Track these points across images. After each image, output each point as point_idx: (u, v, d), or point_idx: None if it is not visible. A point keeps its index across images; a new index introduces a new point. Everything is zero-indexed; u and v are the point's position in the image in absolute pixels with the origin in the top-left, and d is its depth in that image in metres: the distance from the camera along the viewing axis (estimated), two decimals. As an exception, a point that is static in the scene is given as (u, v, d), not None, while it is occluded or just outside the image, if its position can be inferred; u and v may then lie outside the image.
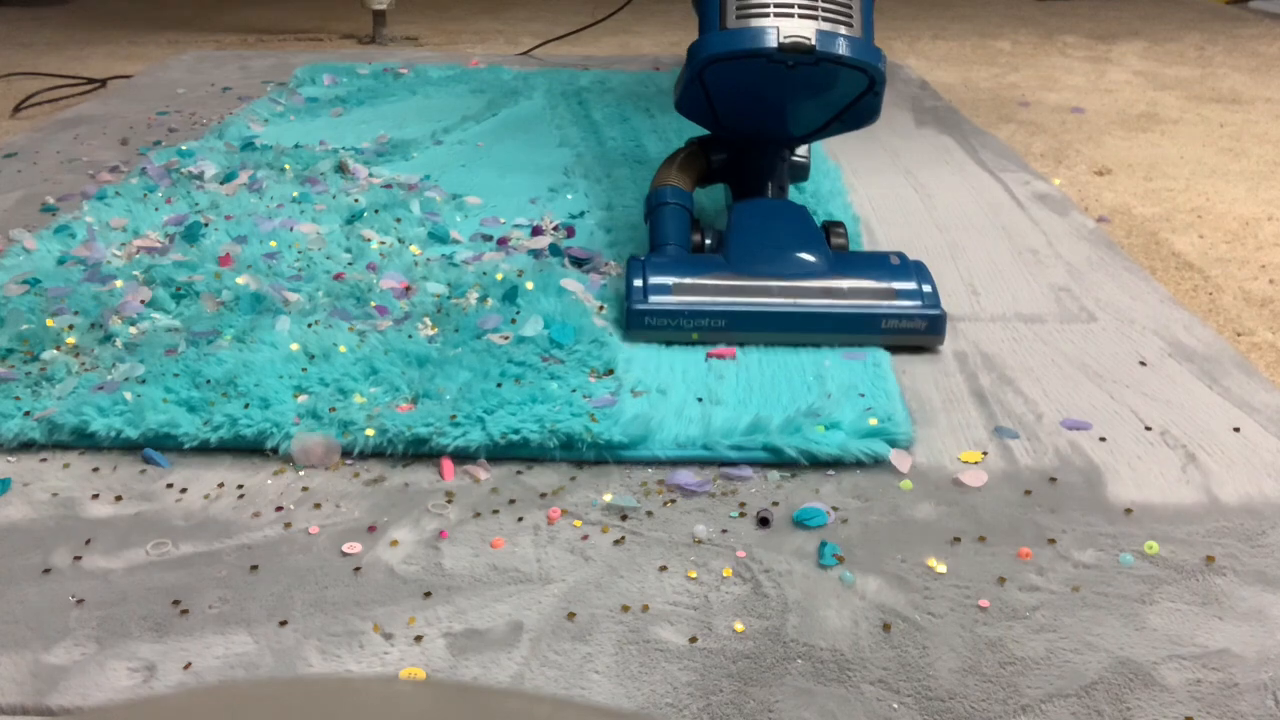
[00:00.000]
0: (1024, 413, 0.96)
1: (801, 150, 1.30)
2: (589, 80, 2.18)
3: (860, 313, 1.05)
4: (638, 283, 1.07)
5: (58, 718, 0.64)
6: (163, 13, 3.17)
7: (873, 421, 0.90)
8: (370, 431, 0.89)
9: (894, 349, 1.06)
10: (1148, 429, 0.94)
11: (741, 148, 1.26)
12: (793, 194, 1.35)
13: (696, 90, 1.14)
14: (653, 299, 1.06)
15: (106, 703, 0.65)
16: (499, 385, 0.95)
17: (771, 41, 1.06)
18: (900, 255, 1.11)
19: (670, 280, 1.07)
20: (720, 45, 1.08)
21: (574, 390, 0.95)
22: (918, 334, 1.06)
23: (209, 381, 0.95)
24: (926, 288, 1.06)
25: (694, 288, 1.07)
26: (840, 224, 1.20)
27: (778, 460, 0.88)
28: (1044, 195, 1.54)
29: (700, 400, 0.96)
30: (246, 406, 0.91)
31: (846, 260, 1.11)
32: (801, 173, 1.32)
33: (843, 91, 1.12)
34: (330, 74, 2.20)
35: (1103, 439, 0.92)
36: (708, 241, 1.19)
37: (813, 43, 1.06)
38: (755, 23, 1.08)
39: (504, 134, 1.82)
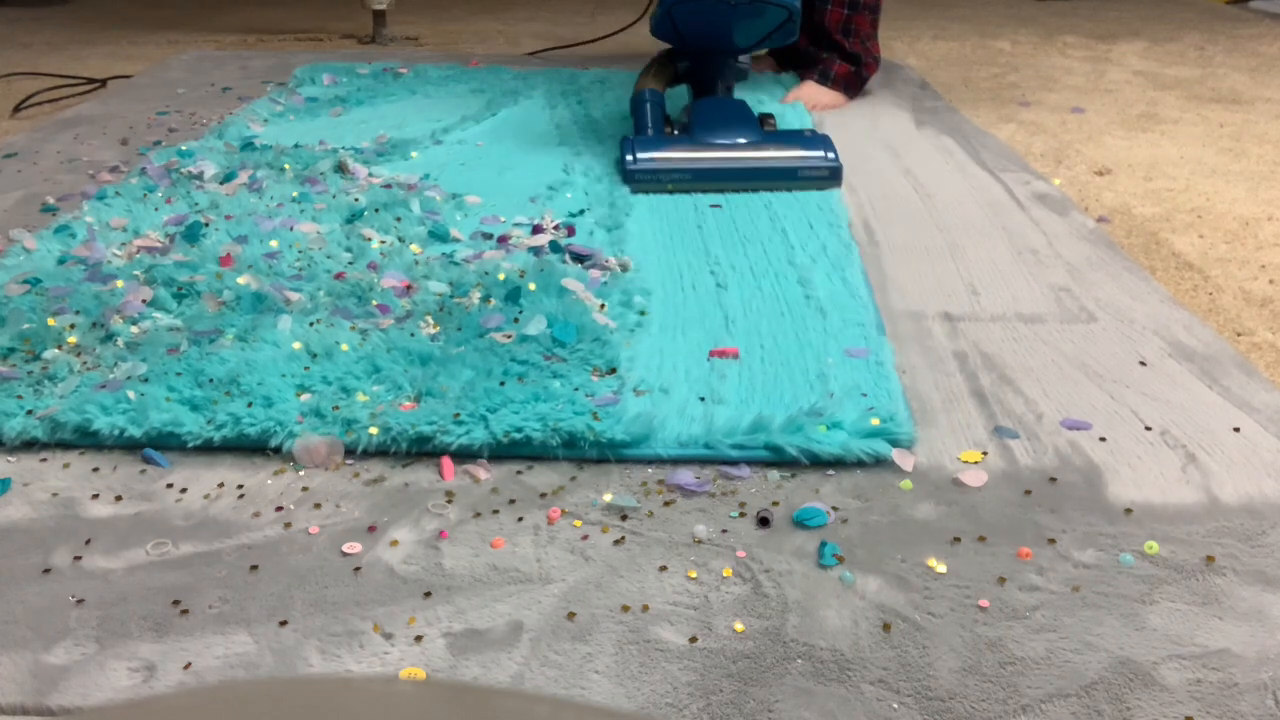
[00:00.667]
0: (1024, 413, 0.97)
1: (744, 59, 1.73)
2: (589, 80, 2.18)
3: (781, 165, 1.52)
4: (629, 156, 1.53)
5: (58, 718, 0.64)
6: (163, 13, 3.17)
7: (875, 421, 0.90)
8: (374, 430, 0.89)
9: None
10: (1148, 429, 0.94)
11: (699, 58, 1.71)
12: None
13: (667, 23, 1.60)
14: (640, 164, 1.52)
15: (106, 703, 0.65)
16: (502, 384, 0.95)
17: None
18: (812, 130, 1.63)
19: (651, 153, 1.53)
20: None
21: (576, 389, 0.95)
22: (823, 180, 1.52)
23: (211, 380, 0.95)
24: (830, 154, 1.53)
25: (668, 158, 1.52)
26: (770, 115, 1.69)
27: (779, 459, 0.88)
28: (1044, 195, 1.54)
29: (702, 399, 0.96)
30: (250, 405, 0.91)
31: (773, 135, 1.58)
32: (742, 75, 1.75)
33: (770, 20, 1.57)
34: (330, 74, 2.20)
35: (1103, 439, 0.92)
36: (675, 132, 1.63)
37: None
38: None
39: (504, 133, 1.82)
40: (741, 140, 1.53)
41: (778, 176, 1.51)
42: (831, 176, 1.52)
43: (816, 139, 1.55)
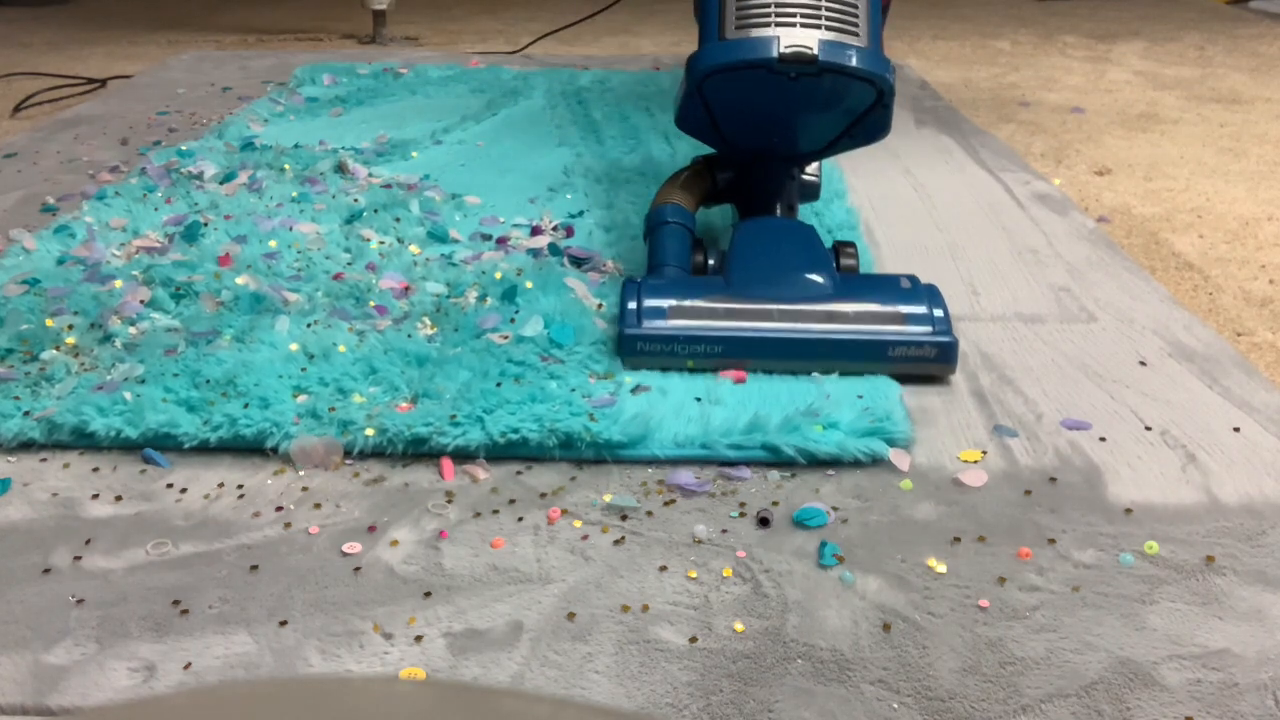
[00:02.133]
0: (1024, 413, 0.96)
1: (812, 168, 1.24)
2: (589, 80, 2.18)
3: (865, 339, 0.99)
4: (631, 305, 1.02)
5: (58, 718, 0.64)
6: (163, 13, 3.17)
7: (871, 421, 0.90)
8: (370, 431, 0.89)
9: (904, 379, 0.99)
10: (1148, 429, 0.94)
11: (747, 165, 1.20)
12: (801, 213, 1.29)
13: (696, 104, 1.10)
14: (646, 323, 1.00)
15: (106, 703, 0.65)
16: (498, 385, 0.95)
17: (772, 51, 1.02)
18: (912, 279, 1.05)
19: (665, 303, 1.02)
20: (719, 56, 1.05)
21: (573, 390, 0.95)
22: (927, 362, 1.00)
23: (208, 381, 0.95)
24: (938, 312, 1.01)
25: (690, 310, 1.01)
26: (851, 244, 1.14)
27: (776, 460, 0.88)
28: (1044, 195, 1.54)
29: (699, 400, 0.96)
30: (246, 406, 0.91)
31: (854, 283, 1.06)
32: (812, 192, 1.25)
33: (850, 104, 1.08)
34: (330, 74, 2.20)
35: (1103, 439, 0.92)
36: (710, 262, 1.14)
37: (815, 52, 1.02)
38: (756, 32, 1.04)
39: (503, 134, 1.82)
40: (804, 293, 1.03)
41: (857, 355, 1.00)
42: (941, 358, 1.00)
43: (916, 292, 1.02)
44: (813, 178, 1.24)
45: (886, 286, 1.04)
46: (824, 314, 1.01)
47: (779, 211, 1.18)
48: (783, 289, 1.03)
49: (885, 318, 1.00)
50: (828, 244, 1.13)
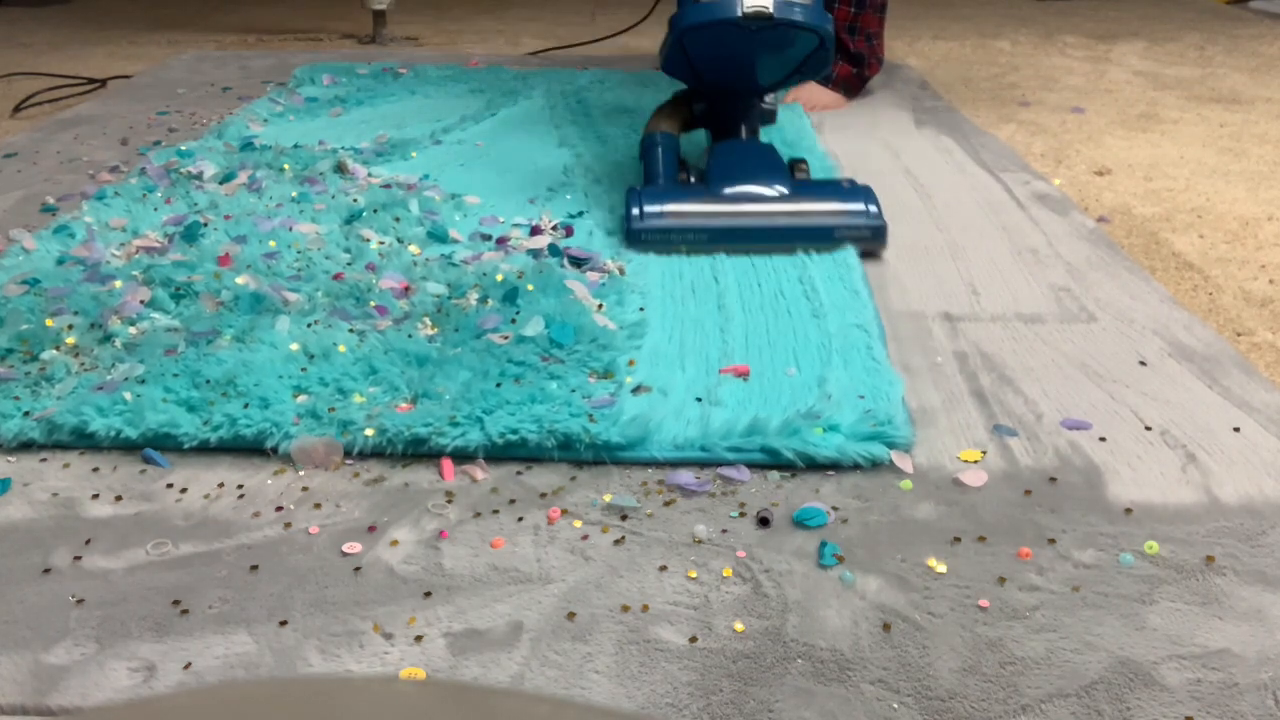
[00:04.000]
0: (1024, 413, 0.96)
1: (769, 98, 1.53)
2: (588, 80, 2.18)
3: (814, 225, 1.30)
4: (635, 210, 1.31)
5: (58, 718, 0.64)
6: (163, 13, 3.17)
7: (872, 425, 0.90)
8: (370, 431, 0.89)
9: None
10: (1148, 429, 0.94)
11: (718, 98, 1.50)
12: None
13: (678, 53, 1.36)
14: (647, 220, 1.30)
15: (106, 703, 0.65)
16: (498, 385, 0.95)
17: (737, 11, 1.28)
18: (851, 180, 1.36)
19: (659, 207, 1.31)
20: (696, 16, 1.31)
21: (573, 390, 0.95)
22: (865, 240, 1.30)
23: (209, 381, 0.95)
24: (872, 207, 1.31)
25: (680, 212, 1.31)
26: (803, 160, 1.45)
27: (775, 462, 0.88)
28: (1044, 195, 1.54)
29: (699, 401, 0.96)
30: (246, 406, 0.91)
31: (806, 186, 1.36)
32: (769, 117, 1.54)
33: (798, 49, 1.35)
34: (330, 74, 2.20)
35: (1103, 439, 0.92)
36: (691, 179, 1.41)
37: (770, 11, 1.27)
38: None
39: (503, 133, 1.82)
40: (767, 192, 1.31)
41: (810, 237, 1.29)
42: (874, 237, 1.30)
43: (856, 191, 1.33)
44: (770, 106, 1.53)
45: (831, 188, 1.35)
46: (783, 210, 1.31)
47: (744, 134, 1.46)
48: (749, 191, 1.32)
49: (832, 211, 1.31)
50: (786, 160, 1.41)
